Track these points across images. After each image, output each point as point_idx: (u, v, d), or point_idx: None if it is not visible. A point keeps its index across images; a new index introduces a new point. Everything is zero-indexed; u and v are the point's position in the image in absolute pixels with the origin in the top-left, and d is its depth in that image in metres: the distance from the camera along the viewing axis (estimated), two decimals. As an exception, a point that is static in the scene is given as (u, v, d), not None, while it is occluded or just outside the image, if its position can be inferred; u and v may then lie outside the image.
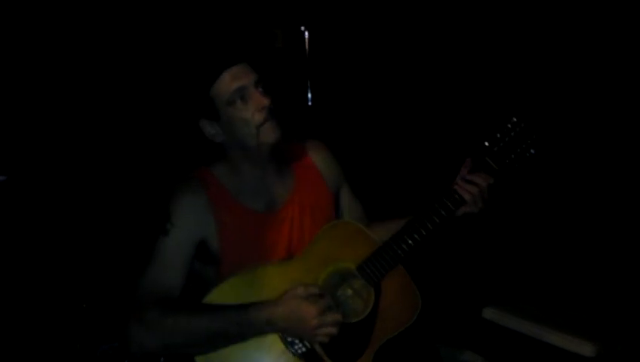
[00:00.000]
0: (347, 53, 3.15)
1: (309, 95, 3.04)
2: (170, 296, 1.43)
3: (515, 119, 1.54)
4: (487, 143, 1.54)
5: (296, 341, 1.42)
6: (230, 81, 1.47)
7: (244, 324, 1.37)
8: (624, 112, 2.57)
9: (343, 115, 3.15)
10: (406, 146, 3.08)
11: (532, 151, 1.54)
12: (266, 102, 1.47)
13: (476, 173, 1.52)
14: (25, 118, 2.49)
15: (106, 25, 2.66)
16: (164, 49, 2.65)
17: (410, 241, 1.48)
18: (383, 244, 1.51)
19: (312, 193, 1.63)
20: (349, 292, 1.50)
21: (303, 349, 1.42)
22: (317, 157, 1.68)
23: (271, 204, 1.57)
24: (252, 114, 1.47)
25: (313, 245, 1.51)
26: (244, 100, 1.48)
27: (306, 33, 2.96)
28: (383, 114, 3.16)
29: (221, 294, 1.42)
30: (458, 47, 2.97)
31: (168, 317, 1.35)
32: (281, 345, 1.42)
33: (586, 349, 1.91)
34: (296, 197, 1.60)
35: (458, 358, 1.96)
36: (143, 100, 2.64)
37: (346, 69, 3.16)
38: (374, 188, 2.22)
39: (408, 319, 1.48)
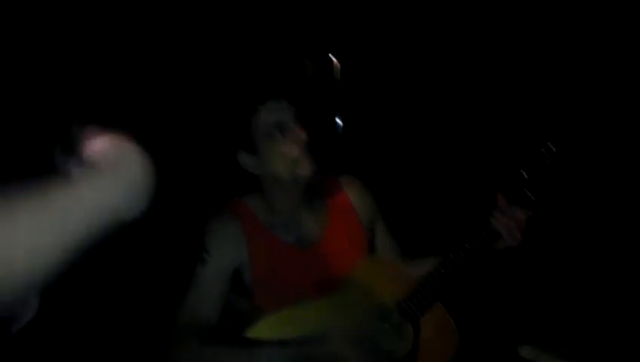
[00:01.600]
0: (377, 80, 3.15)
1: (339, 123, 3.04)
2: (209, 327, 1.44)
3: (549, 145, 1.50)
4: (522, 172, 1.51)
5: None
6: (269, 114, 1.49)
7: (283, 360, 1.35)
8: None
9: (373, 143, 3.14)
10: (438, 176, 3.05)
11: (569, 178, 1.50)
12: (303, 136, 1.49)
13: (513, 205, 1.49)
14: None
15: (148, 55, 2.70)
16: (204, 81, 2.68)
17: (445, 274, 1.46)
18: (420, 281, 1.48)
19: (346, 229, 1.62)
20: (388, 329, 1.48)
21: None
22: (352, 194, 1.68)
23: (304, 238, 1.57)
24: (289, 148, 1.49)
25: (349, 281, 1.50)
26: (282, 134, 1.49)
27: (336, 61, 2.98)
28: (413, 142, 3.14)
29: (261, 329, 1.42)
30: (489, 77, 2.95)
31: (208, 348, 1.37)
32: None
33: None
34: (330, 232, 1.60)
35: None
36: (182, 129, 2.67)
37: (376, 96, 3.16)
38: (407, 221, 2.20)
39: (447, 356, 1.46)
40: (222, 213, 1.55)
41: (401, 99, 3.15)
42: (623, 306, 2.49)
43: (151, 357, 2.12)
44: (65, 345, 2.21)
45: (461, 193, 2.92)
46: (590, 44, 2.63)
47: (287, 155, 1.49)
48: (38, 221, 0.58)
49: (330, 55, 2.89)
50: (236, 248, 1.51)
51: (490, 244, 1.48)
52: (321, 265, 1.55)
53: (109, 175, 0.68)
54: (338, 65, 2.93)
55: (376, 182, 1.81)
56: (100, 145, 0.74)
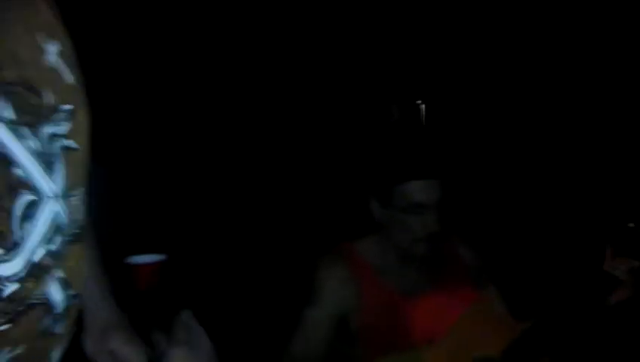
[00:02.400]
0: (463, 125, 3.16)
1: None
2: None
3: None
4: (632, 225, 1.49)
5: None
6: (417, 191, 1.50)
7: None
8: None
9: (459, 187, 3.12)
10: (543, 226, 2.99)
11: None
12: (434, 229, 1.50)
13: (624, 257, 1.47)
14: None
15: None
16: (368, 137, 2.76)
17: (553, 325, 1.45)
18: (527, 330, 1.48)
19: (453, 282, 1.63)
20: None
21: None
22: (464, 251, 1.70)
23: (412, 288, 1.60)
24: (417, 229, 1.51)
25: (455, 330, 1.51)
26: (418, 215, 1.50)
27: (423, 106, 3.03)
28: (501, 190, 3.10)
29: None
30: (588, 124, 2.90)
31: None
32: None
33: None
34: (437, 283, 1.61)
35: None
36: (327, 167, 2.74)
37: (463, 141, 3.17)
38: (512, 273, 2.17)
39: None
40: (333, 256, 1.59)
41: (488, 143, 3.14)
42: None
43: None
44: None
45: (570, 244, 2.85)
46: None
47: (410, 232, 1.51)
48: None
49: (418, 102, 2.94)
50: (346, 293, 1.54)
51: (599, 294, 1.46)
52: (428, 316, 1.56)
53: None
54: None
55: (479, 236, 1.83)
56: None
